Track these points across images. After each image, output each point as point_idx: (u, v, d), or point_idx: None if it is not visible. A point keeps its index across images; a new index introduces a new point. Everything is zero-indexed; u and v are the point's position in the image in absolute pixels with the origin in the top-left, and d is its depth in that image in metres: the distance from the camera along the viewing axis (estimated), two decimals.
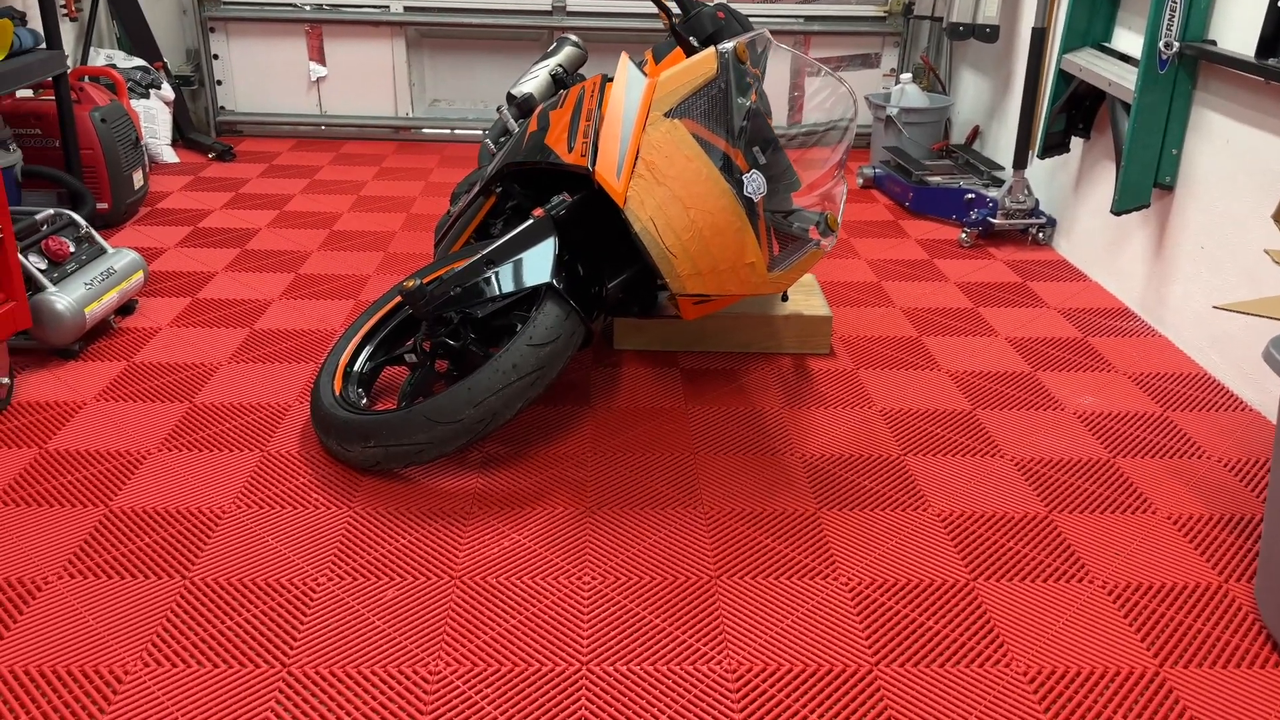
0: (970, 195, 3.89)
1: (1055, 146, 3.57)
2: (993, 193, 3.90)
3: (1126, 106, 3.02)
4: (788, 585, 1.89)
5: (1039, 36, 3.57)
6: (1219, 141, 2.80)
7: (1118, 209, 3.03)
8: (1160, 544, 2.04)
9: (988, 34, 4.10)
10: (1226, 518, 2.13)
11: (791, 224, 2.24)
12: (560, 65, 3.45)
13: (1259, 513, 2.15)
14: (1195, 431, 2.49)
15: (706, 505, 2.13)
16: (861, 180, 4.52)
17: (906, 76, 4.52)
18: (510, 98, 3.42)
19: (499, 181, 2.55)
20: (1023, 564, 1.97)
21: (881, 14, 4.99)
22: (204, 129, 5.02)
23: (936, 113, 4.49)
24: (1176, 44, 2.83)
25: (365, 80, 5.02)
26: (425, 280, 2.22)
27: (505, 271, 2.20)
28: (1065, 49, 3.40)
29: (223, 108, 5.06)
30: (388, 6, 4.89)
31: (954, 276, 3.49)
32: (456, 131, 5.12)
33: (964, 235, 3.78)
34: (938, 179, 4.15)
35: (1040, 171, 3.86)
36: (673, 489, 2.19)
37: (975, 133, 4.54)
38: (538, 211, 2.26)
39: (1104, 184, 3.45)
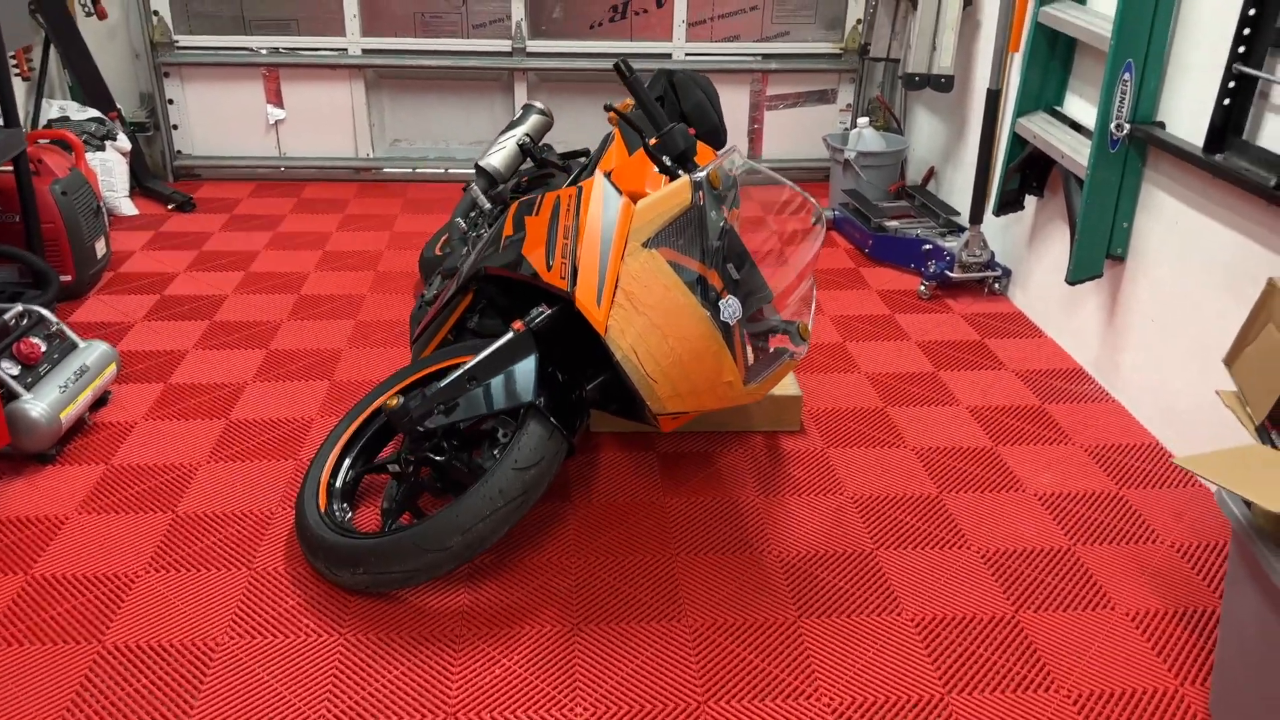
0: (928, 246, 3.99)
1: (1010, 204, 3.68)
2: (950, 243, 4.00)
3: (1079, 179, 3.12)
4: (772, 710, 1.97)
5: (994, 98, 3.66)
6: (1168, 221, 2.91)
7: (1072, 279, 3.14)
8: (1120, 644, 2.15)
9: (943, 84, 4.19)
10: (1183, 612, 2.25)
11: (765, 337, 2.31)
12: (527, 134, 3.48)
13: (1213, 606, 2.27)
14: (1150, 513, 2.61)
15: (690, 617, 2.20)
16: (823, 221, 4.59)
17: (864, 120, 4.60)
18: (478, 170, 3.45)
19: (475, 282, 2.59)
20: (992, 673, 2.07)
21: (837, 51, 5.06)
22: (161, 173, 4.96)
23: (893, 155, 4.58)
24: (1127, 126, 2.93)
25: (324, 122, 5.00)
26: (408, 397, 2.26)
27: (488, 388, 2.24)
28: (1019, 112, 3.50)
29: (179, 151, 5.00)
30: (346, 49, 4.86)
31: (915, 334, 3.59)
32: (418, 170, 5.11)
33: (923, 288, 3.88)
34: (894, 224, 4.24)
35: (995, 223, 3.96)
36: (656, 598, 2.25)
37: (931, 173, 4.64)
38: (517, 325, 2.31)
39: (1057, 240, 3.56)
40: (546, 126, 3.57)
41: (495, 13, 4.89)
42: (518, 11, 4.87)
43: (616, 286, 2.10)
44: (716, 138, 3.54)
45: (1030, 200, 3.69)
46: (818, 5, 5.03)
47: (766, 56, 5.05)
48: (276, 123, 4.96)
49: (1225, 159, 2.58)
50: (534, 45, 4.93)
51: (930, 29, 4.12)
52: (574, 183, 3.16)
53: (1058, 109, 3.49)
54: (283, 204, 4.75)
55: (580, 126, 5.08)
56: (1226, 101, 2.56)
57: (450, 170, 5.10)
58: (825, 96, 5.16)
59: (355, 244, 4.31)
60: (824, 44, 5.07)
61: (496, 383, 2.25)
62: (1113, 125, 2.94)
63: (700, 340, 2.10)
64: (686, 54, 5.00)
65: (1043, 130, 3.37)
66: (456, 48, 4.91)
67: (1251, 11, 2.47)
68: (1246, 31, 2.49)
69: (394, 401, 2.25)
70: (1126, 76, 2.90)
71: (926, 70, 4.18)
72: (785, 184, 2.41)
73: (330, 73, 4.90)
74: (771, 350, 2.32)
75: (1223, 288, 2.67)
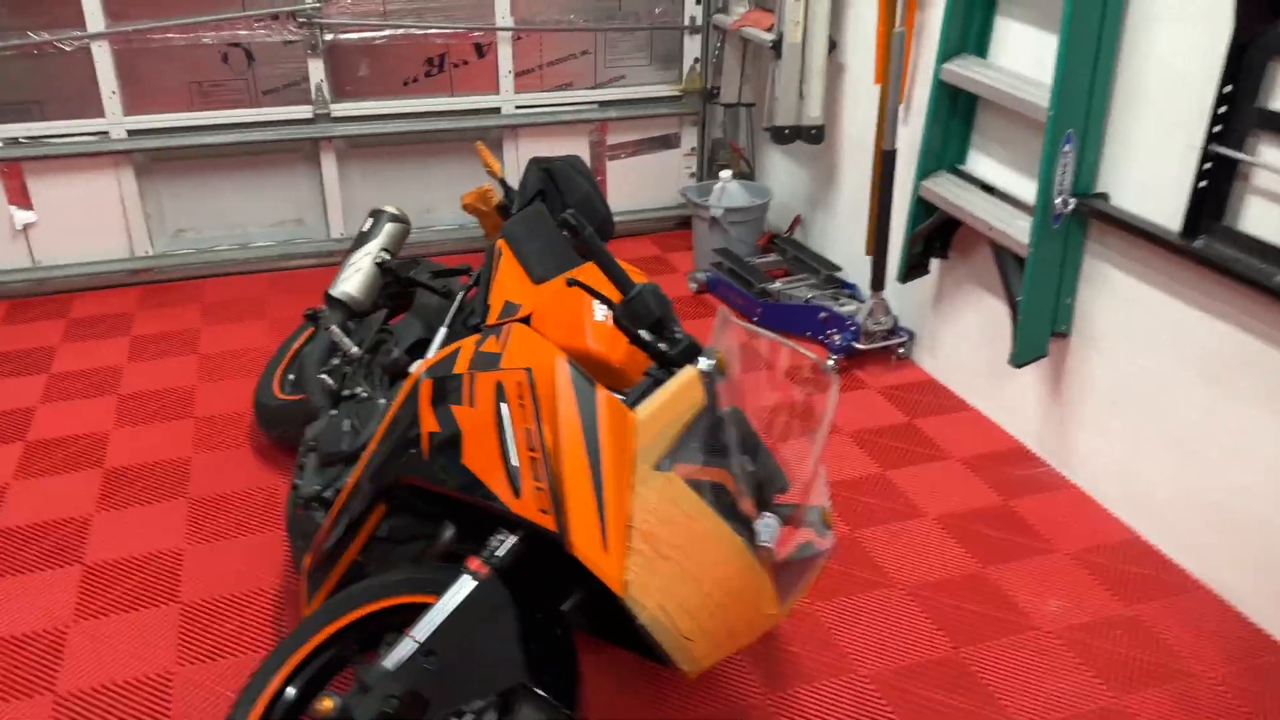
0: (824, 313, 3.69)
1: (915, 268, 3.42)
2: (846, 308, 3.72)
3: (1014, 254, 2.88)
4: None
5: (889, 159, 3.38)
6: (1122, 298, 2.71)
7: (1018, 362, 2.91)
8: None
9: (813, 135, 3.89)
10: None
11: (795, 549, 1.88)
12: (384, 249, 2.87)
13: None
14: (1174, 635, 2.40)
15: None
16: (695, 286, 4.21)
17: (726, 174, 4.25)
18: (330, 301, 2.81)
19: (387, 495, 2.00)
20: None
21: (676, 94, 4.68)
22: None
23: (759, 208, 4.26)
24: (1073, 200, 2.71)
25: (88, 220, 4.09)
26: (345, 697, 1.67)
27: (455, 669, 1.68)
28: (923, 174, 3.23)
29: None
30: (106, 133, 3.98)
31: (842, 422, 3.27)
32: (211, 263, 4.30)
33: (831, 362, 3.57)
34: (778, 286, 3.92)
35: (892, 282, 3.70)
36: None
37: (797, 221, 4.36)
38: (475, 565, 1.76)
39: (965, 303, 3.34)
40: (404, 234, 2.97)
41: (289, 75, 4.16)
42: (316, 72, 4.16)
43: (628, 525, 1.61)
44: (607, 229, 3.08)
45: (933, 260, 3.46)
46: (651, 46, 4.62)
47: (604, 104, 4.59)
48: (26, 227, 4.01)
49: (1206, 245, 2.39)
50: (339, 109, 4.24)
51: (795, 77, 3.80)
52: (467, 322, 2.60)
53: (960, 168, 3.26)
54: (48, 330, 3.84)
55: (398, 198, 4.44)
56: (1203, 184, 2.36)
57: (252, 259, 4.33)
58: (668, 141, 4.77)
59: (156, 378, 3.50)
60: (662, 87, 4.67)
61: (466, 658, 1.69)
62: (1057, 200, 2.71)
63: (739, 576, 1.65)
64: (517, 107, 4.47)
65: (956, 196, 3.12)
66: (246, 119, 4.14)
67: (1228, 89, 2.27)
68: (1223, 110, 2.29)
69: (329, 703, 1.66)
70: (1067, 147, 2.67)
71: (796, 121, 3.87)
72: (786, 344, 1.98)
73: (89, 161, 4.00)
74: (797, 550, 1.89)
75: (1202, 375, 2.49)
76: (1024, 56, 2.95)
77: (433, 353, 2.53)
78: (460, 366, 2.18)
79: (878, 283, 3.55)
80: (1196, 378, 2.51)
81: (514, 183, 3.12)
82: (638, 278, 1.98)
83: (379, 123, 4.30)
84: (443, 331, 2.60)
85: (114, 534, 2.71)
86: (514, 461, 1.73)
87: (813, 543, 1.91)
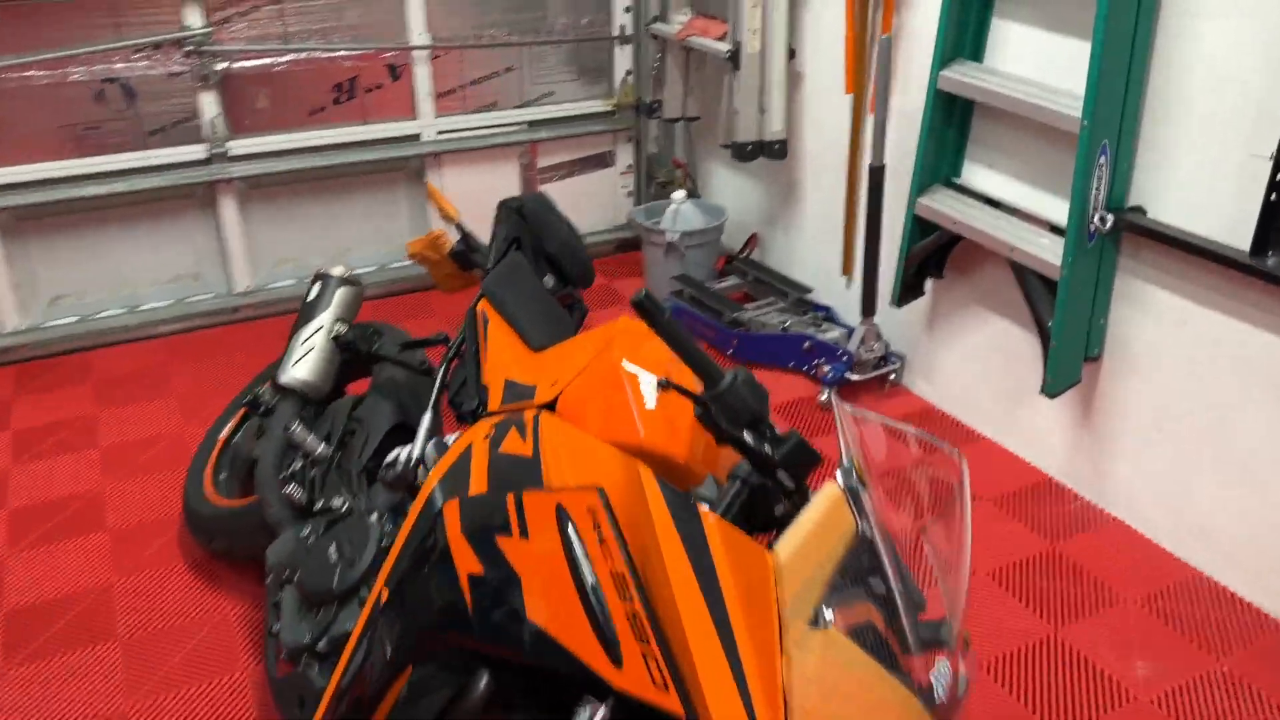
0: (808, 343, 3.40)
1: (911, 291, 3.17)
2: (829, 334, 3.44)
3: (1041, 275, 2.65)
4: None
5: (878, 176, 3.11)
6: (1168, 319, 2.50)
7: (1052, 391, 2.67)
8: None
9: (777, 150, 3.60)
10: None
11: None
12: (339, 320, 2.44)
13: None
14: (1271, 686, 2.19)
15: None
16: None
17: (680, 194, 3.92)
18: (280, 390, 2.36)
19: (417, 655, 1.60)
20: None
21: (609, 109, 4.32)
22: None
23: (716, 230, 3.94)
24: (1110, 216, 2.48)
25: None
26: None
27: None
28: (918, 190, 2.97)
29: None
30: None
31: None
32: (97, 330, 3.72)
33: (824, 398, 3.29)
34: (750, 314, 3.62)
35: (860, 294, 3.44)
36: None
37: (754, 241, 4.06)
38: None
39: (963, 323, 3.11)
40: (359, 300, 2.53)
41: (178, 111, 3.62)
42: (210, 107, 3.64)
43: (783, 700, 1.25)
44: (589, 276, 2.72)
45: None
46: (579, 58, 4.25)
47: (533, 124, 4.20)
48: None
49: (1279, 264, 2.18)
50: (238, 146, 3.72)
51: (756, 89, 3.50)
52: (456, 404, 2.19)
53: (956, 181, 3.01)
54: None
55: (308, 241, 3.96)
56: (1275, 196, 2.15)
57: (145, 324, 3.77)
58: (603, 160, 4.41)
59: (50, 483, 2.95)
60: (594, 102, 4.30)
61: None
62: (1095, 217, 2.48)
63: None
64: (439, 132, 4.03)
65: (960, 213, 2.87)
66: (130, 164, 3.59)
67: None
68: None
69: None
70: (1102, 159, 2.44)
71: (758, 136, 3.56)
72: (909, 431, 1.66)
73: None
74: (942, 676, 1.57)
75: (1270, 399, 2.30)
76: (1025, 60, 2.72)
77: (421, 447, 2.12)
78: (479, 476, 1.79)
79: (869, 307, 3.28)
80: (1265, 401, 2.32)
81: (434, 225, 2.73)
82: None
83: (284, 159, 3.80)
84: (428, 418, 2.19)
85: (20, 707, 2.19)
86: (605, 617, 1.35)
87: (948, 663, 1.60)
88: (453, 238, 2.84)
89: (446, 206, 2.76)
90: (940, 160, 2.97)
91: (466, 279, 2.98)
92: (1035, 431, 2.95)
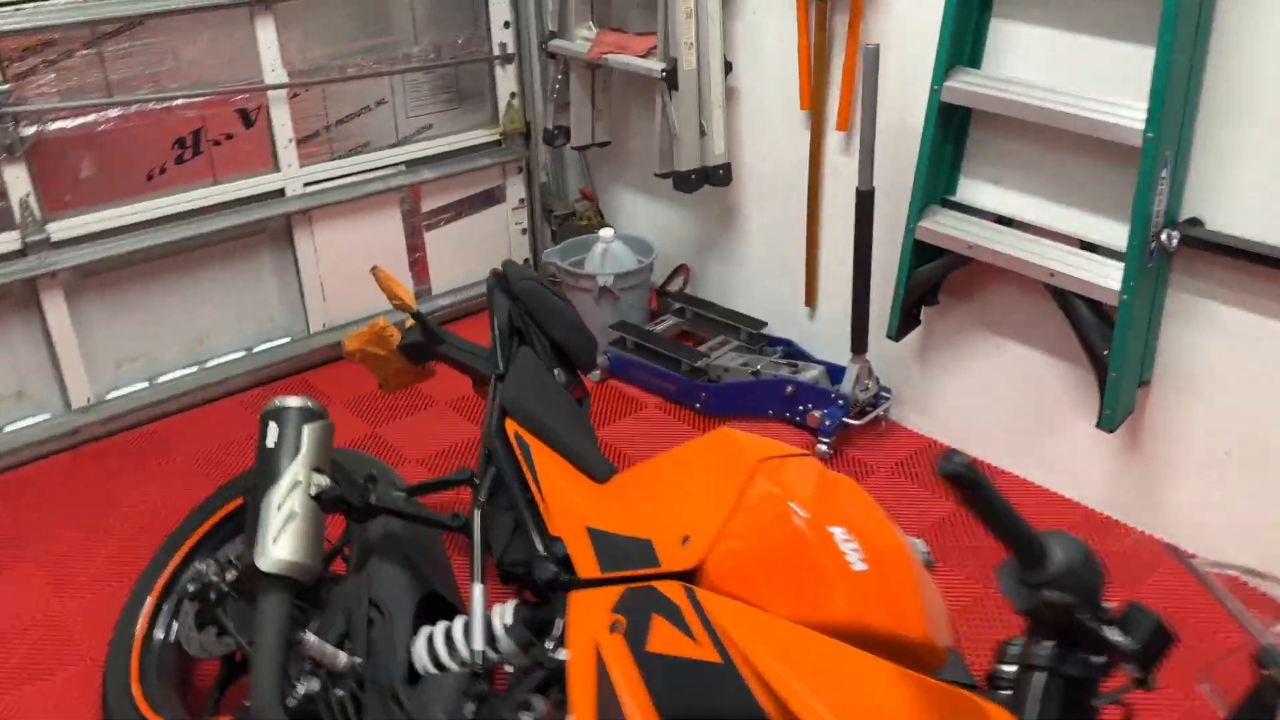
0: (790, 387, 3.05)
1: (909, 321, 2.88)
2: (808, 375, 3.10)
3: (1088, 299, 2.41)
4: None
5: (867, 201, 2.78)
6: (1229, 337, 2.32)
7: (1112, 425, 2.44)
8: None
9: (721, 175, 3.22)
10: None
11: None
12: (314, 468, 1.86)
13: None
14: None
15: None
16: (597, 374, 3.40)
17: (608, 232, 3.46)
18: (263, 579, 1.75)
19: None
20: None
21: (495, 138, 3.79)
22: None
23: (648, 268, 3.52)
24: (1176, 235, 2.26)
25: None
26: None
27: None
28: (919, 212, 2.68)
29: None
30: None
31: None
32: None
33: (825, 445, 2.95)
34: (719, 362, 3.22)
35: (832, 326, 3.13)
36: None
37: (686, 274, 3.67)
38: None
39: (967, 351, 2.86)
40: (330, 435, 1.93)
41: None
42: (19, 184, 2.84)
43: None
44: (593, 363, 2.27)
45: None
46: (457, 84, 3.69)
47: (412, 163, 3.60)
48: None
49: None
50: (60, 229, 2.94)
51: (695, 110, 3.10)
52: (506, 564, 1.69)
53: (952, 199, 2.74)
54: None
55: (161, 335, 3.24)
56: None
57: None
58: (492, 196, 3.88)
59: None
60: (477, 132, 3.76)
61: None
62: (1162, 236, 2.25)
63: None
64: (305, 185, 3.38)
65: (974, 235, 2.59)
66: None
67: None
68: None
69: None
70: (1164, 172, 2.21)
71: (701, 162, 3.17)
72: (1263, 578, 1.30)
73: None
74: None
75: None
76: (1033, 63, 2.47)
77: (482, 631, 1.61)
78: (635, 697, 1.32)
79: (860, 344, 2.96)
80: None
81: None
82: None
83: (119, 238, 3.05)
84: (479, 591, 1.66)
85: None
86: None
87: None
88: (396, 324, 2.30)
89: (399, 291, 2.20)
90: (937, 178, 2.69)
91: (419, 373, 2.44)
92: (1070, 462, 2.73)
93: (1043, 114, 2.38)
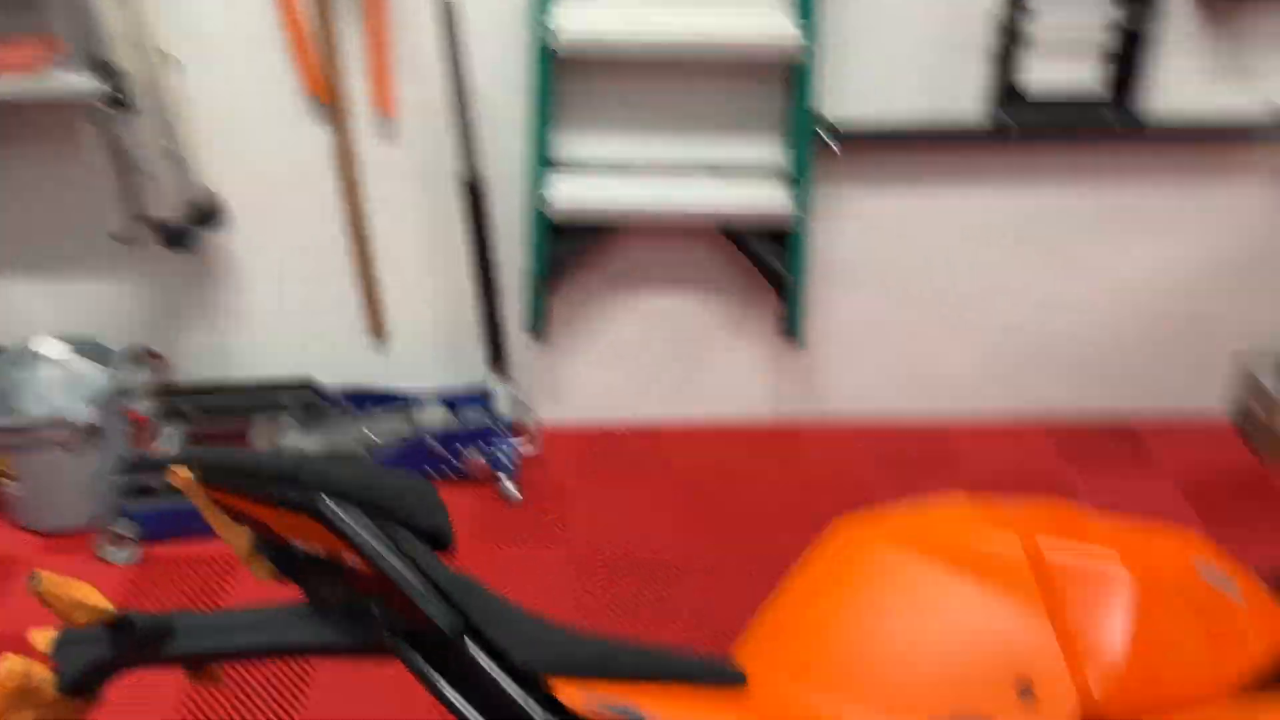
0: (434, 442, 2.43)
1: (543, 312, 2.47)
2: (431, 416, 2.51)
3: (753, 228, 2.32)
4: None
5: (477, 191, 2.23)
6: (866, 221, 2.46)
7: (798, 335, 2.44)
8: None
9: (212, 217, 2.30)
10: None
11: None
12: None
13: None
14: None
15: None
16: (133, 552, 2.28)
17: (42, 345, 2.26)
18: None
19: None
20: None
21: None
22: None
23: (131, 376, 2.41)
24: (827, 137, 2.26)
25: None
26: None
27: None
28: (537, 184, 2.26)
29: None
30: None
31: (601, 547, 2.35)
32: None
33: (512, 488, 2.43)
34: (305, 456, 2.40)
35: (419, 349, 2.58)
36: None
37: (160, 361, 2.60)
38: None
39: (586, 322, 2.61)
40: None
41: None
42: None
43: None
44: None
45: None
46: None
47: None
48: None
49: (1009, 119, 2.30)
50: None
51: (162, 136, 2.12)
52: None
53: (554, 162, 2.36)
54: None
55: None
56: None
57: None
58: None
59: None
60: None
61: None
62: (831, 140, 2.23)
63: None
64: None
65: (613, 196, 2.28)
66: None
67: None
68: None
69: None
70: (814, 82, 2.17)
71: (190, 199, 2.20)
72: None
73: None
74: None
75: (978, 246, 2.50)
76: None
77: None
78: None
79: (499, 358, 2.45)
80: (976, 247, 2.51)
81: None
82: None
83: None
84: None
85: None
86: None
87: None
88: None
89: (76, 597, 1.15)
90: (546, 142, 2.28)
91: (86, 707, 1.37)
92: (734, 388, 2.68)
93: (686, 48, 2.14)
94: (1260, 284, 2.54)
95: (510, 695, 1.13)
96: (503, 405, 2.49)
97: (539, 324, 2.43)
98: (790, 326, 2.44)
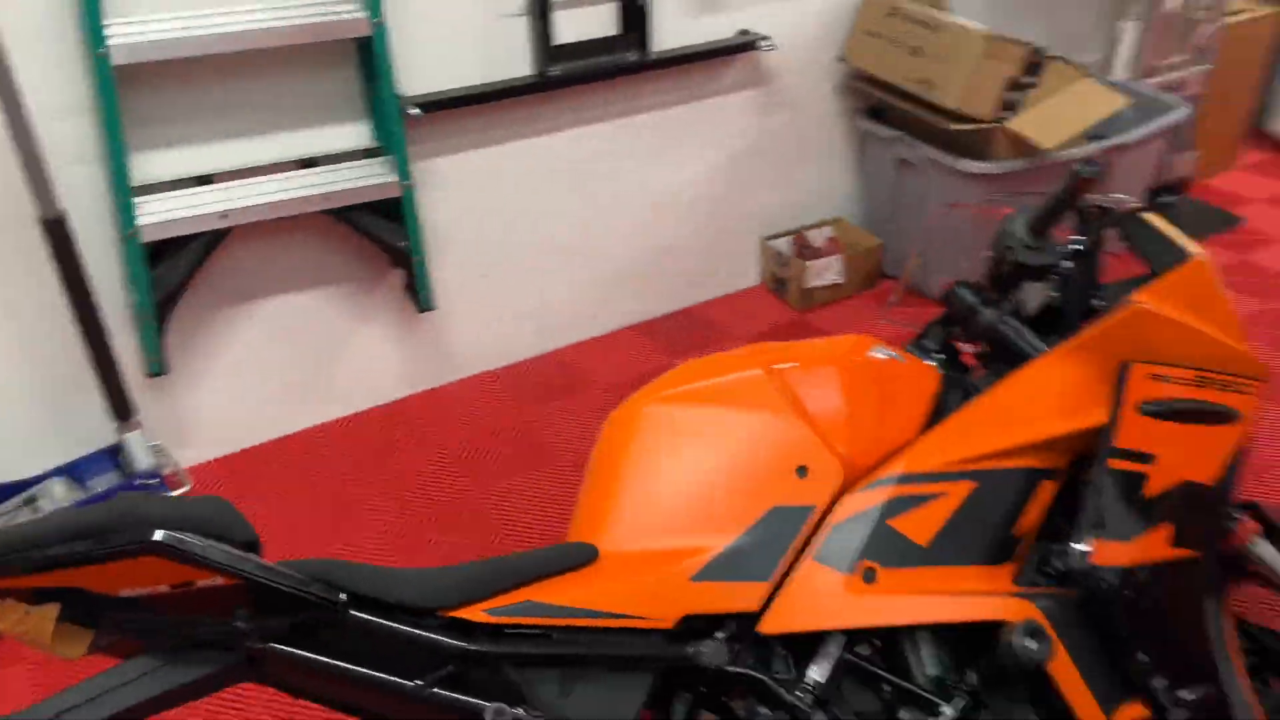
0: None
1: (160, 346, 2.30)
2: (52, 496, 2.26)
3: (364, 206, 2.38)
4: None
5: (59, 228, 2.00)
6: (456, 182, 2.62)
7: (431, 304, 2.56)
8: None
9: None
10: None
11: None
12: None
13: None
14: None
15: None
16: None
17: None
18: None
19: None
20: None
21: None
22: None
23: None
24: (413, 107, 2.36)
25: None
26: None
27: None
28: (125, 206, 2.11)
29: None
30: None
31: None
32: None
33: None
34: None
35: (12, 419, 2.29)
36: None
37: None
38: None
39: (208, 340, 2.50)
40: None
41: None
42: None
43: None
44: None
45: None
46: None
47: None
48: None
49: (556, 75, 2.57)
50: None
51: None
52: None
53: (133, 185, 2.19)
54: None
55: None
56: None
57: None
58: None
59: None
60: None
61: None
62: (412, 111, 2.33)
63: None
64: None
65: (213, 208, 2.20)
66: None
67: None
68: None
69: None
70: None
71: None
72: None
73: None
74: None
75: (560, 186, 2.79)
76: None
77: None
78: None
79: (123, 404, 2.24)
80: (561, 190, 2.80)
81: None
82: None
83: None
84: None
85: None
86: None
87: None
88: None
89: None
90: (124, 162, 2.13)
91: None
92: (368, 376, 2.72)
93: (253, 38, 2.11)
94: (763, 170, 3.13)
95: (413, 634, 1.21)
96: (137, 457, 2.29)
97: (157, 358, 2.27)
98: (419, 294, 2.54)
